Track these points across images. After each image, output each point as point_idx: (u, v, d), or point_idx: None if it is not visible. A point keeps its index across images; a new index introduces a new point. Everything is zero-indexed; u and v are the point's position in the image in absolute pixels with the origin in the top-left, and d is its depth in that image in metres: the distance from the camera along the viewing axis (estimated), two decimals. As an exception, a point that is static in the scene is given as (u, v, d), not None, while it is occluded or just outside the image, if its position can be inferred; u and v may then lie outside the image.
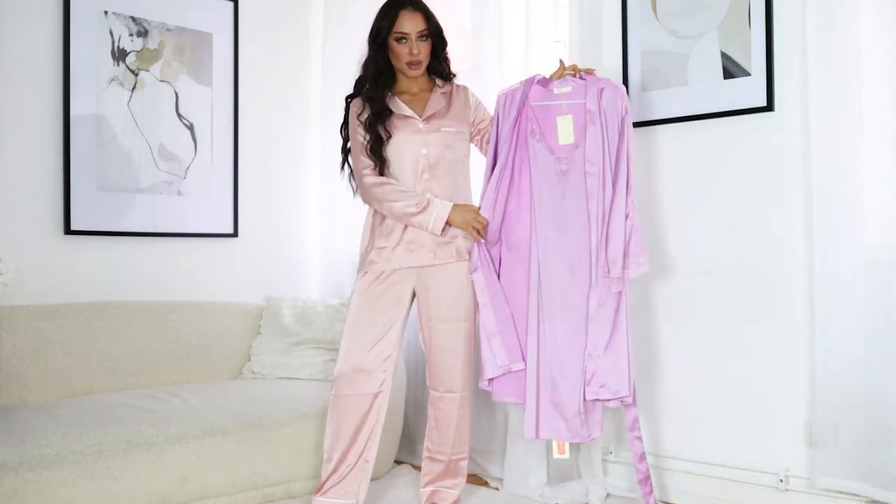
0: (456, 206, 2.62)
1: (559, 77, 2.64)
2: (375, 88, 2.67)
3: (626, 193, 2.55)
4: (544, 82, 2.64)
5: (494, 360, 2.59)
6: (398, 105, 2.68)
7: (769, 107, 2.68)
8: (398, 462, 3.43)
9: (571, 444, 2.79)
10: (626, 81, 2.99)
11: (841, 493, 2.53)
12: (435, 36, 2.67)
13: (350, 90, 2.80)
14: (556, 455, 2.61)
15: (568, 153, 2.61)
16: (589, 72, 2.65)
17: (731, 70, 2.76)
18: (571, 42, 3.05)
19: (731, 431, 2.79)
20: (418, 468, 3.29)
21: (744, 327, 2.76)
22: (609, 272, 2.53)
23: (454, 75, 2.79)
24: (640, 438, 2.60)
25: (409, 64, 2.64)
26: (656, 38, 2.93)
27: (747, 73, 2.72)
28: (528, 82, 2.65)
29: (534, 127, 2.63)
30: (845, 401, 2.49)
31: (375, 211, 2.71)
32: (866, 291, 2.46)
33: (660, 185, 2.96)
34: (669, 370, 2.93)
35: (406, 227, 2.65)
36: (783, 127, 2.67)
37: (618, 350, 2.52)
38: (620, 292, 2.54)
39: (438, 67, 2.74)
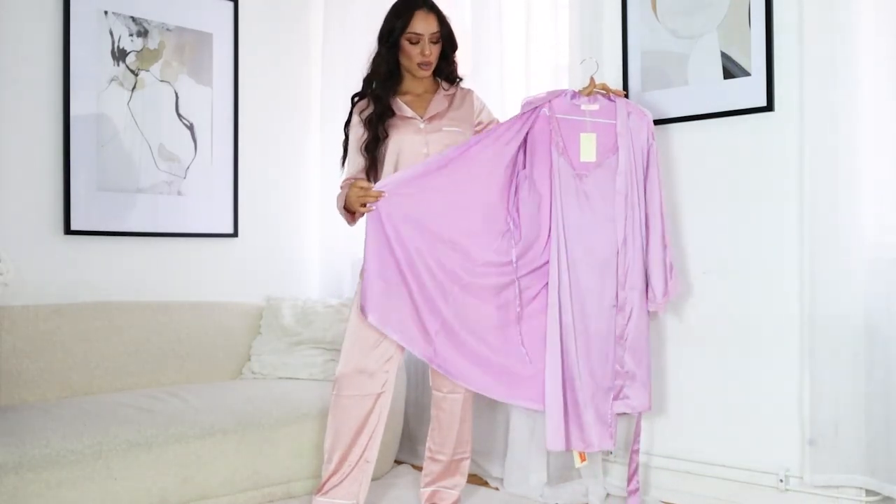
0: (350, 188, 2.59)
1: (588, 94, 2.66)
2: (383, 88, 2.67)
3: (661, 221, 2.65)
4: (574, 96, 2.67)
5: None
6: (400, 106, 2.68)
7: (769, 107, 2.68)
8: (398, 462, 3.43)
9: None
10: (626, 81, 3.00)
11: (841, 489, 2.53)
12: (446, 39, 2.67)
13: (350, 89, 2.80)
14: (577, 464, 2.66)
15: (588, 171, 2.64)
16: (619, 94, 2.69)
17: (731, 70, 2.76)
18: (572, 42, 3.05)
19: (731, 431, 2.79)
20: (418, 468, 3.29)
21: (744, 326, 2.76)
22: (656, 298, 2.64)
23: (461, 79, 2.79)
24: (637, 452, 2.74)
25: (420, 65, 2.64)
26: (656, 38, 2.93)
27: (747, 73, 2.72)
28: (556, 93, 2.67)
29: (557, 140, 2.63)
30: (845, 400, 2.49)
31: None
32: (866, 291, 2.46)
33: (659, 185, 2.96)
34: (669, 370, 2.93)
35: None
36: (783, 127, 2.67)
37: (646, 371, 2.66)
38: (648, 315, 2.67)
39: (445, 70, 2.74)
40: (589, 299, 2.62)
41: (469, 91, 2.81)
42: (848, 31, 2.46)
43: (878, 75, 2.46)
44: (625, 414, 2.69)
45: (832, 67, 2.49)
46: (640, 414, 2.71)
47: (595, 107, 2.65)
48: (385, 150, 2.66)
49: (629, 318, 2.64)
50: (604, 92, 2.67)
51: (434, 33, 2.62)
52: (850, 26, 2.46)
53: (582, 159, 2.64)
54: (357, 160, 2.69)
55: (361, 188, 2.55)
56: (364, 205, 2.55)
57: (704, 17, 2.81)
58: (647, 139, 2.66)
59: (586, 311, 2.62)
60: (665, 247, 2.66)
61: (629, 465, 2.76)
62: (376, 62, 2.68)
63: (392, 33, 2.62)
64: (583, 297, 2.62)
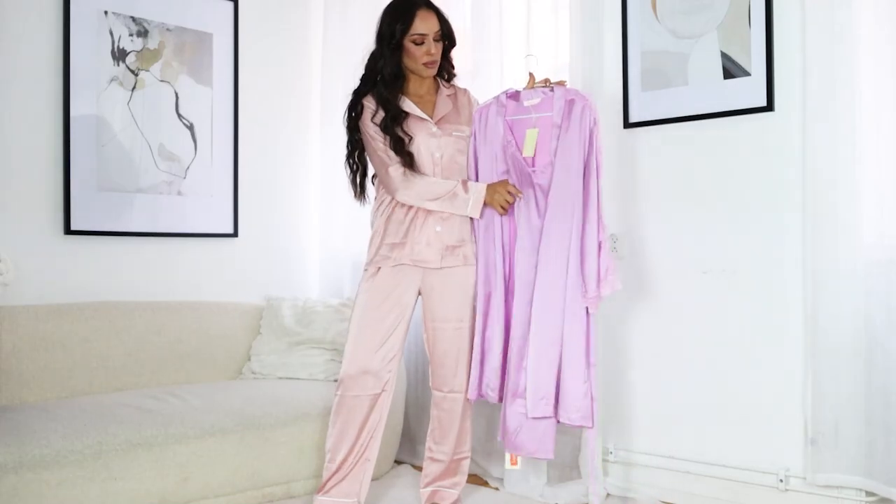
0: (489, 186, 2.62)
1: (530, 88, 2.64)
2: (391, 91, 2.65)
3: (598, 209, 2.53)
4: (514, 96, 2.66)
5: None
6: (411, 106, 2.68)
7: (769, 107, 2.68)
8: (398, 462, 3.43)
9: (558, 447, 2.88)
10: (625, 81, 3.00)
11: (841, 489, 2.53)
12: (447, 36, 2.67)
13: (350, 89, 2.79)
14: (508, 466, 2.63)
15: (543, 168, 2.59)
16: (560, 84, 2.64)
17: (731, 70, 2.76)
18: (572, 42, 3.05)
19: (731, 431, 2.79)
20: (418, 468, 3.29)
21: (744, 326, 2.76)
22: (588, 293, 2.51)
23: (455, 76, 2.80)
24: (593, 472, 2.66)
25: (426, 64, 2.64)
26: (656, 38, 2.93)
27: (747, 73, 2.72)
28: (500, 97, 2.67)
29: (510, 140, 2.63)
30: (845, 400, 2.49)
31: (385, 208, 2.70)
32: (866, 291, 2.46)
33: (659, 185, 2.96)
34: (670, 370, 2.93)
35: (418, 225, 2.64)
36: (783, 127, 2.67)
37: (582, 375, 2.51)
38: (589, 313, 2.52)
39: (445, 67, 2.75)
40: (540, 294, 2.54)
41: (465, 91, 2.82)
42: (848, 30, 2.46)
43: (878, 75, 2.46)
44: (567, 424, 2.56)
45: (832, 67, 2.49)
46: (589, 431, 2.59)
47: (536, 100, 2.62)
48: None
49: (571, 315, 2.53)
50: (543, 85, 2.63)
51: (437, 31, 2.62)
52: (850, 26, 2.46)
53: (524, 154, 2.61)
54: (391, 157, 2.63)
55: (509, 192, 2.59)
56: (504, 207, 2.60)
57: (704, 17, 2.81)
58: (589, 124, 2.56)
59: (537, 307, 2.55)
60: (599, 242, 2.52)
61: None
62: (379, 64, 2.66)
63: (394, 35, 2.61)
64: (535, 292, 2.56)
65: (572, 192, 2.54)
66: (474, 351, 2.66)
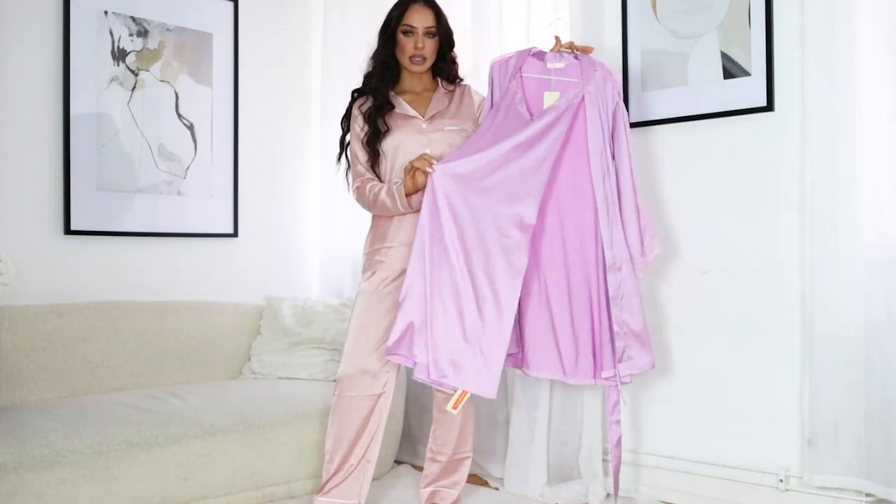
0: (406, 171, 2.52)
1: (556, 51, 2.61)
2: (380, 80, 2.66)
3: (632, 181, 2.57)
4: (539, 55, 2.62)
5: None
6: (401, 104, 2.67)
7: (769, 107, 2.68)
8: (398, 462, 3.43)
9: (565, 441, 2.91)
10: (625, 81, 3.00)
11: (841, 490, 2.53)
12: (443, 35, 2.66)
13: (350, 89, 2.79)
14: (448, 407, 2.52)
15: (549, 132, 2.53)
16: (585, 50, 2.62)
17: (731, 70, 2.76)
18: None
19: (731, 431, 2.79)
20: (418, 468, 3.29)
21: (744, 326, 2.76)
22: (632, 257, 2.56)
23: (461, 80, 2.77)
24: (619, 423, 2.63)
25: (412, 58, 2.62)
26: (656, 38, 2.93)
27: (747, 73, 2.72)
28: (524, 53, 2.64)
29: (521, 97, 2.59)
30: (845, 401, 2.49)
31: None
32: (865, 291, 2.46)
33: (659, 185, 2.96)
34: (669, 369, 2.93)
35: (404, 228, 2.63)
36: (783, 127, 2.67)
37: (644, 330, 2.57)
38: (633, 275, 2.57)
39: (445, 69, 2.72)
40: (566, 256, 2.57)
41: (466, 85, 2.79)
42: (848, 31, 2.46)
43: (878, 75, 2.46)
44: (631, 377, 2.59)
45: (832, 67, 2.49)
46: (612, 391, 2.60)
47: (561, 65, 2.58)
48: (384, 146, 2.63)
49: (622, 277, 2.55)
50: (569, 50, 2.61)
51: (429, 27, 2.61)
52: (849, 26, 2.46)
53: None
54: (362, 154, 2.66)
55: (416, 166, 2.47)
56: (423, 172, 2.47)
57: (704, 17, 2.81)
58: (614, 97, 2.56)
59: (567, 271, 2.57)
60: (637, 208, 2.58)
61: (611, 437, 2.64)
62: (374, 55, 2.69)
63: (389, 25, 2.63)
64: (564, 255, 2.58)
65: (604, 160, 2.53)
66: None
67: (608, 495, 2.95)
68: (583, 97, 2.54)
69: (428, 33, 2.61)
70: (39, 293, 3.13)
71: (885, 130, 2.46)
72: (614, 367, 2.56)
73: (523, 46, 3.21)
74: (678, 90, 2.88)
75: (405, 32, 2.61)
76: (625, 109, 2.59)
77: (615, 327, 2.55)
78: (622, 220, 2.57)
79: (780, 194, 2.68)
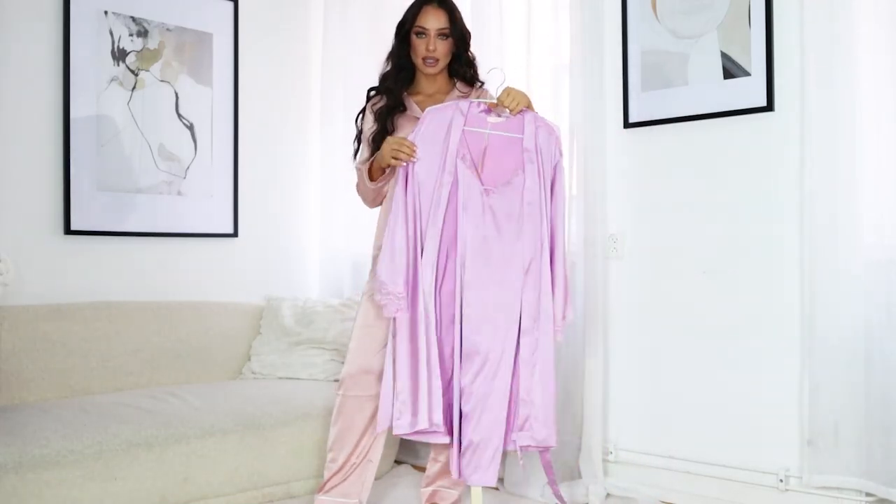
0: (385, 141, 2.48)
1: (494, 107, 2.46)
2: (395, 82, 2.66)
3: (563, 240, 2.48)
4: (487, 111, 2.45)
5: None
6: (411, 106, 2.67)
7: (769, 107, 2.68)
8: (398, 462, 3.43)
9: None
10: (626, 81, 3.00)
11: (841, 490, 2.53)
12: (458, 37, 2.63)
13: (350, 89, 2.80)
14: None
15: (496, 188, 2.43)
16: (528, 108, 2.48)
17: (731, 70, 2.76)
18: (572, 42, 3.05)
19: (731, 431, 2.79)
20: (418, 468, 3.29)
21: (743, 326, 2.76)
22: (555, 321, 2.44)
23: (482, 83, 2.69)
24: (555, 482, 2.54)
25: (424, 59, 2.61)
26: (656, 38, 2.93)
27: (747, 73, 2.72)
28: (467, 105, 2.46)
29: (465, 153, 2.44)
30: (844, 401, 2.49)
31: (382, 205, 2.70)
32: (865, 291, 2.46)
33: (659, 185, 2.97)
34: (669, 370, 2.93)
35: None
36: (783, 127, 2.67)
37: (551, 398, 2.44)
38: (552, 339, 2.45)
39: (461, 70, 2.68)
40: (489, 316, 2.40)
41: (484, 90, 2.72)
42: (848, 31, 2.46)
43: (878, 75, 2.46)
44: (529, 448, 2.43)
45: (832, 67, 2.49)
46: (544, 454, 2.48)
47: (501, 119, 2.43)
48: None
49: (537, 343, 2.41)
50: (507, 109, 2.43)
51: (442, 29, 2.59)
52: (850, 26, 2.46)
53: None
54: (366, 151, 2.67)
55: (398, 140, 2.42)
56: (397, 158, 2.41)
57: (704, 17, 2.81)
58: (555, 154, 2.45)
59: (487, 331, 2.40)
60: (564, 273, 2.46)
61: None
62: (389, 55, 2.69)
63: (403, 26, 2.63)
64: (485, 315, 2.40)
65: (541, 219, 2.43)
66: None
67: (608, 495, 2.95)
68: (524, 167, 2.43)
69: (441, 35, 2.59)
70: (39, 293, 3.12)
71: (886, 130, 2.46)
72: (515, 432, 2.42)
73: (523, 47, 3.23)
74: (678, 90, 2.88)
75: (418, 34, 2.60)
76: (563, 169, 2.48)
77: (521, 394, 2.41)
78: (553, 283, 2.44)
79: (780, 194, 2.68)
